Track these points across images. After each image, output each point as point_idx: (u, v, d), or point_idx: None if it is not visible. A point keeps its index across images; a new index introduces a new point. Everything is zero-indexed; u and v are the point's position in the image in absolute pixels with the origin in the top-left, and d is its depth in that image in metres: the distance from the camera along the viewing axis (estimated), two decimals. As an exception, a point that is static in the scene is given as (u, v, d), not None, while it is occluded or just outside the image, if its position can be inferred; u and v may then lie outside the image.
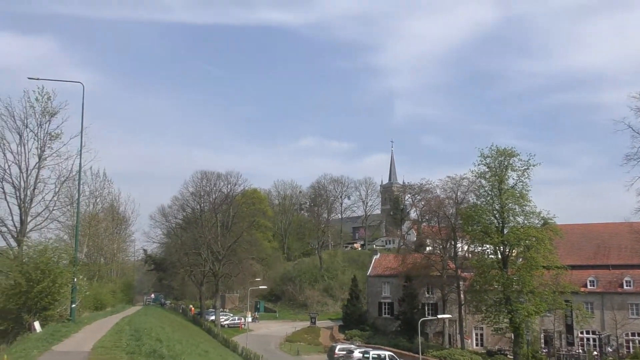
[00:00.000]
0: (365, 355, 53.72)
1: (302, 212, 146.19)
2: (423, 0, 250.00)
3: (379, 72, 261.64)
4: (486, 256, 64.66)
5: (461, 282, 68.66)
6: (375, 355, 53.32)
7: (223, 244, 78.26)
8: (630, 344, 66.47)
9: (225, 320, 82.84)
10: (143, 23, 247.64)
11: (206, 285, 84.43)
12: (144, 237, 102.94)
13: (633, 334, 66.97)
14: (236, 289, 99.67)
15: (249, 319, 72.68)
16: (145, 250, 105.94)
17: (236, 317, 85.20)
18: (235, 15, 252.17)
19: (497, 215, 60.32)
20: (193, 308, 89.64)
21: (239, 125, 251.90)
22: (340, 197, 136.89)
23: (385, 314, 79.94)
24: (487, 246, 63.80)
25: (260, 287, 75.10)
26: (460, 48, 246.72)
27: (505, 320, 58.13)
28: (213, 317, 79.70)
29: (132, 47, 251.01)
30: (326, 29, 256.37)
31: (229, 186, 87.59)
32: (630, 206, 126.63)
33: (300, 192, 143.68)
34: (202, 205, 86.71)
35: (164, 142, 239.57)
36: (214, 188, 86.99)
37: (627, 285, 68.34)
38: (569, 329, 67.57)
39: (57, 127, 36.41)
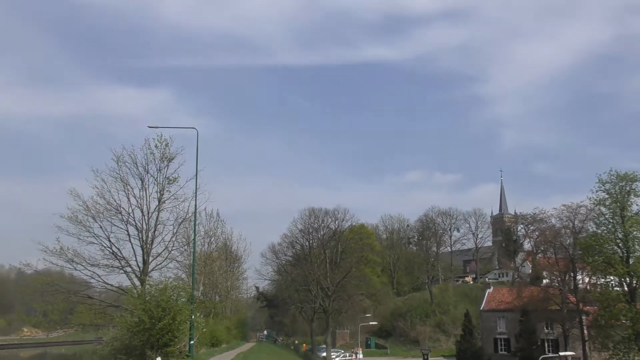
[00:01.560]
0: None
1: (411, 246, 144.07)
2: (526, 25, 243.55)
3: (484, 101, 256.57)
4: (610, 288, 60.41)
5: (584, 317, 64.50)
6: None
7: (332, 280, 78.65)
8: None
9: (337, 356, 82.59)
10: (249, 68, 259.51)
11: (317, 321, 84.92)
12: (255, 275, 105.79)
13: None
14: (346, 325, 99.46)
15: (360, 355, 71.98)
16: (257, 288, 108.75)
17: (347, 353, 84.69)
18: (337, 54, 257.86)
19: (620, 245, 56.40)
20: (305, 345, 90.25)
21: (345, 161, 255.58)
22: (449, 229, 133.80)
23: (501, 350, 76.42)
24: (611, 278, 59.65)
25: (370, 322, 74.58)
26: (569, 71, 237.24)
27: (637, 358, 53.70)
28: (324, 354, 79.73)
29: (240, 92, 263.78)
30: (428, 61, 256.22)
31: (336, 222, 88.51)
32: None
33: (407, 225, 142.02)
34: (310, 241, 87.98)
35: (273, 181, 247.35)
36: (322, 224, 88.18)
37: None
38: None
39: (174, 171, 38.34)
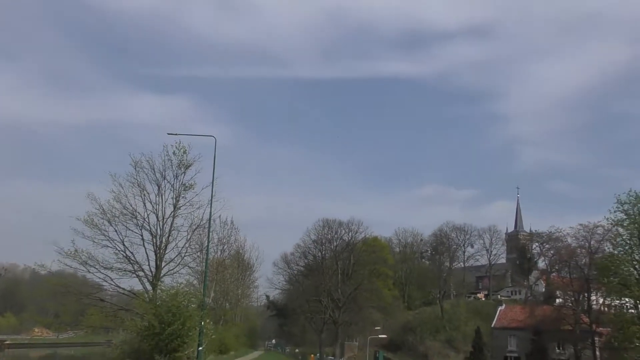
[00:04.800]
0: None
1: (424, 260, 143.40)
2: (546, 43, 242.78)
3: (502, 118, 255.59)
4: (625, 310, 59.61)
5: (597, 338, 63.61)
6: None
7: (343, 292, 78.50)
8: None
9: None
10: (268, 80, 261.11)
11: (326, 332, 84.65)
12: (267, 284, 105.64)
13: None
14: (356, 337, 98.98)
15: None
16: (267, 296, 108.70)
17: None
18: (357, 68, 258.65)
19: (637, 266, 55.57)
20: (313, 355, 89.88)
21: (362, 174, 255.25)
22: (463, 245, 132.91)
23: (512, 369, 75.61)
24: (626, 300, 58.83)
25: (379, 336, 74.03)
26: (587, 90, 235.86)
27: (650, 381, 52.87)
28: (333, 365, 79.42)
29: (259, 103, 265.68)
30: (447, 77, 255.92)
31: (350, 234, 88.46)
32: None
33: (421, 240, 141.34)
34: (323, 252, 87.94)
35: (288, 192, 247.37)
36: (336, 236, 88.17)
37: None
38: None
39: (191, 178, 38.45)
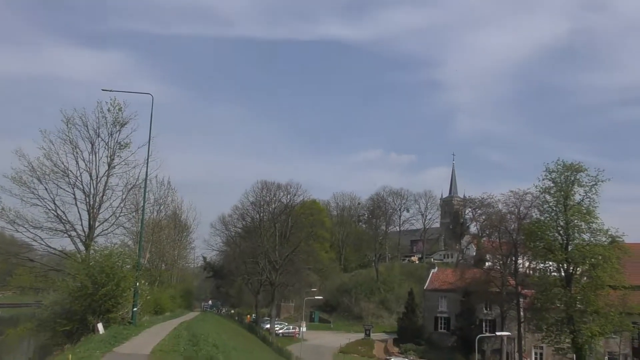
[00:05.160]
0: (421, 371, 52.98)
1: (360, 224, 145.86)
2: (485, 14, 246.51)
3: (442, 86, 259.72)
4: (549, 273, 62.68)
5: (521, 300, 66.76)
6: (431, 371, 52.52)
7: (281, 254, 78.92)
8: None
9: (280, 328, 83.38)
10: (210, 39, 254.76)
11: (262, 293, 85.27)
12: (204, 245, 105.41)
13: None
14: (292, 298, 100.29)
15: (303, 329, 72.86)
16: (204, 258, 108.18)
17: (291, 326, 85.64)
18: (300, 30, 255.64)
19: (561, 232, 58.39)
20: (249, 316, 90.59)
21: (303, 137, 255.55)
22: (399, 209, 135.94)
23: (441, 328, 78.53)
24: (550, 263, 61.82)
25: (315, 297, 75.26)
26: (526, 62, 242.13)
27: (567, 340, 56.07)
28: (268, 326, 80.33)
29: (200, 62, 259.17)
30: (390, 43, 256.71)
31: (288, 196, 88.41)
32: None
33: (359, 204, 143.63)
34: (261, 214, 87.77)
35: (228, 153, 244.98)
36: (274, 198, 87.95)
37: (700, 309, 64.58)
38: (636, 352, 64.68)
39: (127, 136, 37.64)
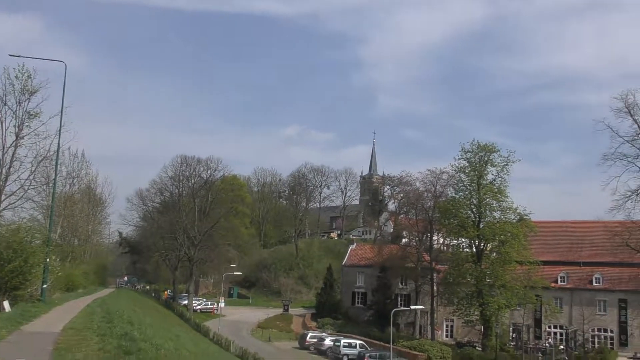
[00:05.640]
0: (337, 344, 54.08)
1: (281, 200, 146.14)
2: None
3: (364, 65, 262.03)
4: (461, 250, 65.40)
5: (435, 275, 69.22)
6: (346, 344, 53.72)
7: (200, 229, 77.98)
8: (596, 339, 67.72)
9: (198, 304, 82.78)
10: (131, 6, 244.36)
11: (180, 269, 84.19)
12: (120, 220, 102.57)
13: (599, 330, 68.16)
14: (211, 274, 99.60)
15: (222, 304, 72.64)
16: (120, 233, 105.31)
17: (209, 302, 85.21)
18: (226, 2, 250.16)
19: (474, 210, 60.96)
20: (166, 292, 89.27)
21: (225, 111, 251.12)
22: (320, 186, 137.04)
23: (358, 303, 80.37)
24: (463, 240, 64.50)
25: (235, 273, 75.00)
26: (445, 44, 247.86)
27: (476, 313, 58.95)
28: (186, 302, 79.50)
29: (119, 30, 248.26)
30: (314, 19, 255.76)
31: (208, 172, 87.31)
32: (605, 205, 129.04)
33: (279, 180, 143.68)
34: (180, 189, 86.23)
35: (147, 125, 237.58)
36: (194, 173, 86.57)
37: (596, 282, 69.46)
38: (538, 323, 68.95)
39: (37, 105, 35.58)
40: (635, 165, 45.60)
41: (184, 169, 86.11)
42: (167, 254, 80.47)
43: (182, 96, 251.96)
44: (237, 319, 76.81)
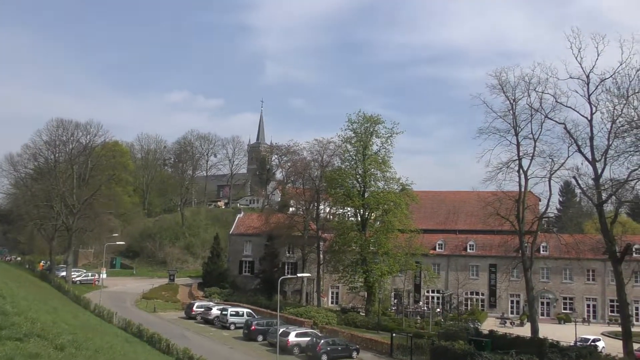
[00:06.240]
0: (224, 313, 54.00)
1: (166, 167, 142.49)
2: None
3: (252, 31, 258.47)
4: (347, 218, 67.18)
5: (321, 243, 70.61)
6: (234, 313, 53.79)
7: (79, 197, 74.12)
8: (469, 302, 72.77)
9: (78, 276, 79.30)
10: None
11: (58, 240, 79.78)
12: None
13: (471, 293, 73.34)
14: (91, 244, 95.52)
15: (103, 275, 70.01)
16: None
17: (89, 273, 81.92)
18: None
19: (359, 180, 62.62)
20: (42, 263, 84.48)
21: (106, 72, 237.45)
22: (207, 154, 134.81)
23: (245, 272, 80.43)
24: (349, 209, 66.23)
25: (117, 243, 72.21)
26: (334, 14, 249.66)
27: (360, 279, 61.08)
28: (64, 274, 75.71)
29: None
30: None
31: (88, 137, 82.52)
32: (479, 176, 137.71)
33: (164, 147, 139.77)
34: (57, 155, 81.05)
35: (14, 85, 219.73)
36: (72, 138, 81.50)
37: (470, 249, 74.34)
38: (417, 288, 73.01)
39: None
40: (507, 139, 48.70)
41: (60, 133, 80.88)
42: (43, 224, 75.92)
43: (57, 54, 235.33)
44: (121, 290, 74.55)
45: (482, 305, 72.53)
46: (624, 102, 41.57)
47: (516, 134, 48.53)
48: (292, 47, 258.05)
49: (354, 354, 42.17)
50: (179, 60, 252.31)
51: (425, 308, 68.17)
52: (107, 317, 44.83)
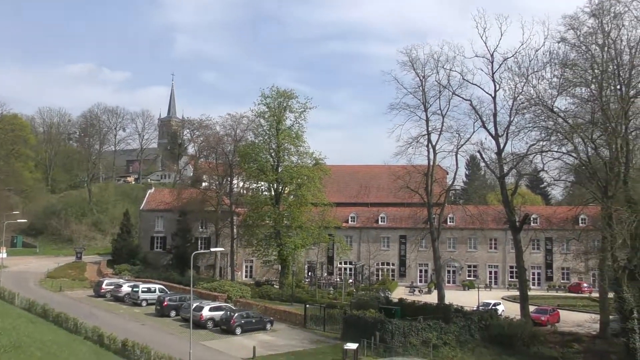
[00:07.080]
0: (135, 290, 52.86)
1: (71, 142, 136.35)
2: None
3: (161, 3, 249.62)
4: (260, 193, 67.21)
5: (235, 217, 70.37)
6: (145, 289, 52.75)
7: (-26, 173, 69.88)
8: (380, 272, 75.13)
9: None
10: None
11: (-48, 218, 74.99)
12: None
13: (383, 263, 75.75)
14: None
15: (3, 255, 66.55)
16: None
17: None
18: None
19: (273, 154, 62.64)
20: None
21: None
22: (115, 128, 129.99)
23: (157, 248, 78.87)
24: (262, 183, 66.24)
25: (18, 220, 68.68)
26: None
27: (274, 253, 61.51)
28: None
29: None
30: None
31: (-17, 109, 77.70)
32: (390, 151, 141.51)
33: (69, 120, 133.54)
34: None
35: None
36: (-36, 110, 76.51)
37: (381, 221, 76.48)
38: (330, 260, 74.46)
39: None
40: (416, 115, 50.35)
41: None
42: None
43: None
44: (23, 269, 71.24)
45: (393, 275, 75.04)
46: (524, 80, 44.01)
47: (425, 110, 50.27)
48: (204, 21, 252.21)
49: (268, 326, 42.58)
50: (81, 31, 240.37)
51: (338, 279, 69.68)
52: (8, 298, 42.93)
